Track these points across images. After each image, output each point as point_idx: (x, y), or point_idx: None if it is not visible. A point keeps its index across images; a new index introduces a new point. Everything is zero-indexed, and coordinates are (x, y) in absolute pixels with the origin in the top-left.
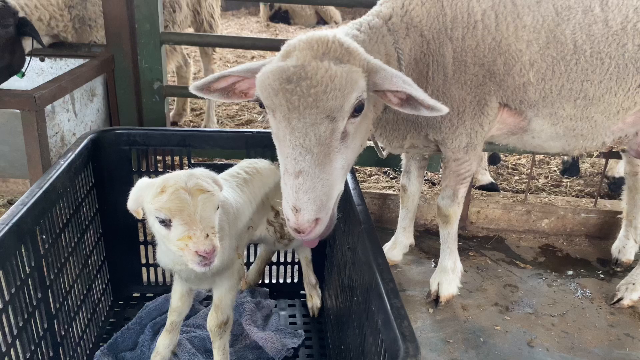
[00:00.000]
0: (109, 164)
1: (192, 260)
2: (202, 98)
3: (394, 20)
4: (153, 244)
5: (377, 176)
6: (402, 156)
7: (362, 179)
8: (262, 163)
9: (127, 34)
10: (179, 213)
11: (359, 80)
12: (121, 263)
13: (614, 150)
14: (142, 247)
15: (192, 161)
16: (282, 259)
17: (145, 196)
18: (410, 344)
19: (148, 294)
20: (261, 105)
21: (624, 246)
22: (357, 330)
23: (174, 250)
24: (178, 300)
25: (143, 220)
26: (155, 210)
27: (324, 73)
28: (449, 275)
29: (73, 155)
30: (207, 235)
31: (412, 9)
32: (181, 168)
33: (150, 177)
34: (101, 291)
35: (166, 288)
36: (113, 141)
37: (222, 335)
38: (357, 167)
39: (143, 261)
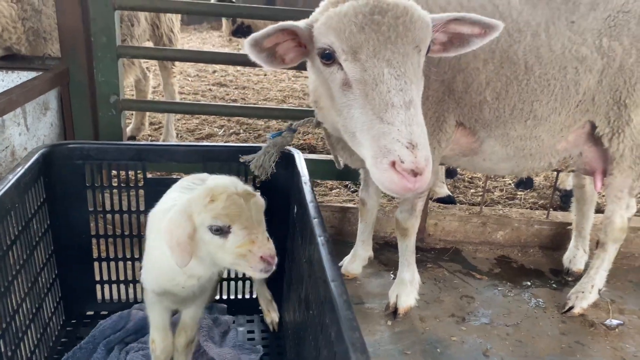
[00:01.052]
0: (62, 179)
1: (253, 267)
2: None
3: None
4: (108, 260)
5: (338, 189)
6: (361, 170)
7: (323, 193)
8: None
9: (83, 47)
10: (237, 218)
11: (430, 20)
12: (74, 280)
13: (562, 172)
14: (96, 264)
15: (148, 175)
16: (240, 274)
17: (194, 210)
18: (360, 355)
19: (102, 312)
20: (325, 57)
21: (574, 256)
22: (312, 344)
23: (228, 260)
24: (163, 339)
25: (98, 236)
26: (212, 218)
27: (403, 5)
28: (407, 287)
29: (23, 170)
30: (268, 238)
31: None
32: (136, 183)
33: (104, 192)
34: (52, 310)
35: (121, 306)
36: (66, 155)
37: (189, 354)
38: (318, 181)
39: (97, 278)
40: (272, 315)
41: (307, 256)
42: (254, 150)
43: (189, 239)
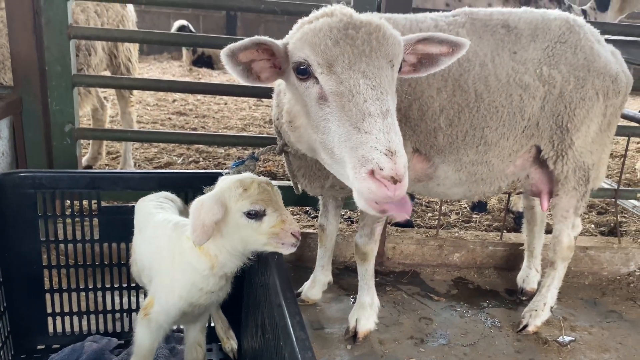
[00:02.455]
0: (12, 208)
1: (285, 243)
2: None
3: None
4: (61, 291)
5: (298, 215)
6: (320, 197)
7: None
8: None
9: (37, 75)
10: (270, 202)
11: (403, 71)
12: (24, 313)
13: (512, 194)
14: (48, 296)
15: (103, 204)
16: None
17: (229, 200)
18: None
19: (54, 346)
20: (300, 72)
21: (527, 276)
22: None
23: (262, 241)
24: None
25: (50, 267)
26: (251, 204)
27: (376, 22)
28: (367, 310)
29: None
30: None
31: None
32: (90, 212)
33: (57, 221)
34: (0, 344)
35: (74, 338)
36: (16, 184)
37: None
38: None
39: (49, 310)
40: (230, 343)
41: (262, 280)
42: (211, 176)
43: (214, 223)
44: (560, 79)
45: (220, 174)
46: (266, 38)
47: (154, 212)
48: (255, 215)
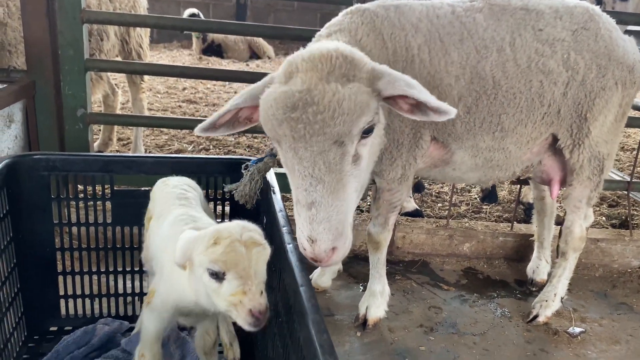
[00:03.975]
0: (26, 191)
1: (243, 319)
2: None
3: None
4: (73, 274)
5: None
6: None
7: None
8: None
9: (50, 60)
10: (234, 266)
11: (369, 102)
12: (37, 295)
13: (521, 178)
14: (60, 278)
15: (115, 188)
16: None
17: (196, 248)
18: (329, 357)
19: (66, 328)
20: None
21: (537, 267)
22: (281, 351)
23: (222, 305)
24: (154, 356)
25: (63, 249)
26: (210, 262)
27: (331, 97)
28: (377, 299)
29: None
30: (262, 292)
31: (360, 39)
32: (103, 196)
33: (70, 204)
34: (14, 325)
35: (85, 321)
36: (30, 167)
37: (215, 354)
38: (287, 195)
39: (62, 293)
40: (234, 351)
41: (276, 265)
42: (223, 162)
43: (182, 267)
44: (584, 66)
45: (236, 161)
46: (235, 102)
47: (176, 203)
48: (215, 276)
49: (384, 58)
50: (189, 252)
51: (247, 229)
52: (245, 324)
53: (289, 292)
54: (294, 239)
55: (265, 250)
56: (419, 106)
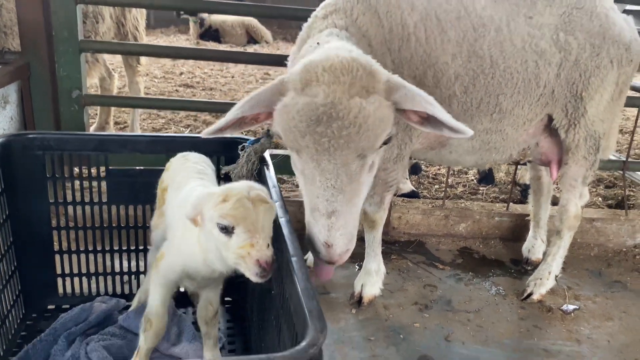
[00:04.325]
0: (21, 170)
1: (250, 270)
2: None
3: (351, 31)
4: (70, 253)
5: None
6: None
7: (290, 189)
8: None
9: (44, 41)
10: (242, 220)
11: (390, 116)
12: (34, 273)
13: (521, 162)
14: (57, 257)
15: (110, 168)
16: None
17: (206, 204)
18: (317, 322)
19: (64, 306)
20: (279, 136)
21: (533, 246)
22: (274, 323)
23: (231, 258)
24: (160, 320)
25: (59, 228)
26: (220, 217)
27: (356, 113)
28: (372, 277)
29: None
30: (268, 245)
31: (356, 18)
32: (99, 175)
33: (65, 183)
34: (11, 303)
35: (83, 299)
36: (25, 146)
37: (216, 325)
38: (286, 178)
39: (58, 271)
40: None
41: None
42: (219, 141)
43: (193, 221)
44: (576, 46)
45: (231, 140)
46: (241, 108)
47: (195, 176)
48: (225, 230)
49: (380, 37)
50: (199, 207)
51: (254, 188)
52: (253, 274)
53: (281, 264)
54: (287, 212)
55: (272, 209)
56: (430, 120)
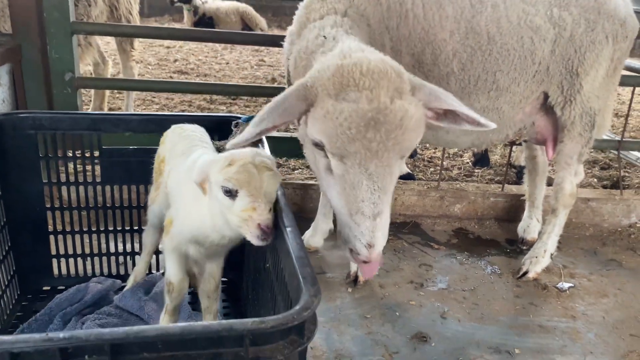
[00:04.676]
0: (13, 150)
1: (252, 233)
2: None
3: (350, 13)
4: (64, 233)
5: (300, 170)
6: None
7: (286, 172)
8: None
9: (35, 23)
10: (246, 184)
11: (423, 115)
12: (29, 254)
13: (516, 143)
14: (52, 238)
15: (103, 147)
16: None
17: (212, 168)
18: (311, 287)
19: (59, 287)
20: (316, 144)
21: (528, 225)
22: (269, 295)
23: (234, 221)
24: (181, 281)
25: (53, 209)
26: (224, 180)
27: (402, 115)
28: None
29: None
30: (270, 210)
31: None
32: (92, 154)
33: (58, 163)
34: (6, 284)
35: (78, 280)
36: (17, 125)
37: (217, 298)
38: (280, 162)
39: (53, 252)
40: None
41: None
42: (213, 120)
43: (198, 185)
44: (571, 21)
45: (224, 119)
46: (267, 118)
47: (199, 145)
48: (229, 193)
49: (378, 15)
50: (206, 171)
51: (260, 155)
52: (254, 237)
53: (275, 235)
54: (282, 186)
55: (276, 176)
56: (447, 115)
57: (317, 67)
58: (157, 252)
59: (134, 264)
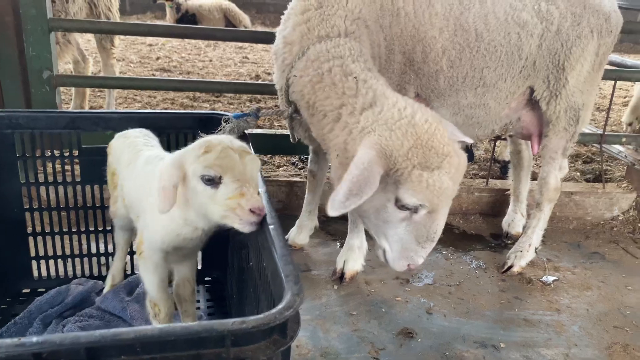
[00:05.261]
0: None
1: (242, 220)
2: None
3: (349, 27)
4: (44, 234)
5: (285, 167)
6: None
7: (270, 169)
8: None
9: (11, 19)
10: (230, 170)
11: None
12: (7, 257)
13: (501, 138)
14: (31, 239)
15: (83, 146)
16: None
17: (187, 159)
18: (294, 285)
19: (40, 289)
20: (405, 208)
21: (513, 220)
22: (252, 295)
23: (218, 212)
24: (166, 301)
25: (32, 210)
26: (205, 167)
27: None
28: (355, 252)
29: None
30: (258, 193)
31: (347, 2)
32: (71, 154)
33: (37, 163)
34: None
35: (59, 282)
36: None
37: (194, 302)
38: (265, 160)
39: (33, 254)
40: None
41: None
42: (193, 117)
43: (174, 187)
44: (558, 15)
45: (207, 116)
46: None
47: (143, 148)
48: (211, 181)
49: (373, 14)
50: (180, 166)
51: (236, 140)
52: (246, 224)
53: (258, 233)
54: (265, 184)
55: (257, 160)
56: None
57: (384, 132)
58: (133, 252)
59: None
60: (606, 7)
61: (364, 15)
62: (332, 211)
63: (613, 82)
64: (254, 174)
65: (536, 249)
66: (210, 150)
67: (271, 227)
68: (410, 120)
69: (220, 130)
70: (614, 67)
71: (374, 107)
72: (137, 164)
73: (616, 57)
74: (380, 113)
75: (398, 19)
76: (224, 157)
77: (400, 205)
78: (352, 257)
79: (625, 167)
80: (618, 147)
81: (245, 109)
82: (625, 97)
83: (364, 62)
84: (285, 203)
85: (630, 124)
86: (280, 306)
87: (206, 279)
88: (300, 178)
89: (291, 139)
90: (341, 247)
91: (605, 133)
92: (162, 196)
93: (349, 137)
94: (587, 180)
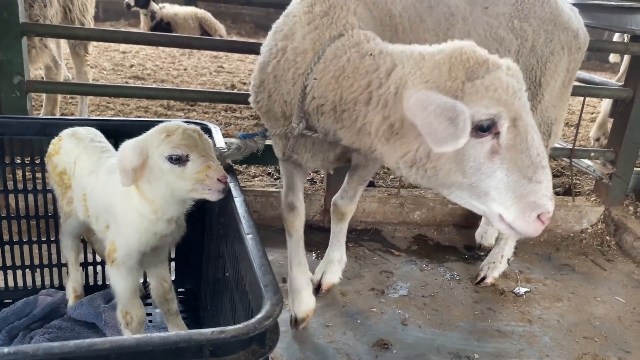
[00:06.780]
0: None
1: (212, 189)
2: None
3: (362, 25)
4: (11, 243)
5: (260, 177)
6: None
7: (246, 179)
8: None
9: None
10: (195, 148)
11: None
12: None
13: None
14: None
15: None
16: None
17: (151, 144)
18: (273, 295)
19: (6, 300)
20: (482, 129)
21: (485, 232)
22: (229, 305)
23: (187, 186)
24: (138, 309)
25: (0, 218)
26: (172, 148)
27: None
28: (334, 265)
29: None
30: (219, 164)
31: (355, 11)
32: (42, 161)
33: (6, 170)
34: None
35: (27, 293)
36: None
37: (174, 299)
38: (240, 170)
39: (0, 263)
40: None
41: (222, 222)
42: None
43: (132, 170)
44: (531, 32)
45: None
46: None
47: (104, 156)
48: (178, 160)
49: (374, 29)
50: (142, 151)
51: (188, 124)
52: (216, 192)
53: (235, 241)
54: (242, 193)
55: (209, 139)
56: None
57: (416, 76)
58: (102, 263)
59: (86, 275)
60: (574, 24)
61: (369, 26)
62: (447, 146)
63: (582, 98)
64: (212, 151)
65: (508, 260)
66: (173, 134)
67: (249, 236)
68: (433, 54)
69: (225, 149)
70: (582, 84)
71: (396, 68)
72: (100, 172)
73: (585, 74)
74: (404, 67)
75: (397, 33)
76: (187, 138)
77: (476, 128)
78: (331, 269)
79: (593, 181)
80: (587, 161)
81: (221, 118)
82: (592, 114)
83: (378, 41)
84: (261, 213)
85: (597, 139)
86: (259, 316)
87: (179, 289)
88: (276, 188)
89: (280, 155)
90: (317, 258)
91: (575, 148)
92: (124, 175)
93: (387, 109)
94: (557, 194)
